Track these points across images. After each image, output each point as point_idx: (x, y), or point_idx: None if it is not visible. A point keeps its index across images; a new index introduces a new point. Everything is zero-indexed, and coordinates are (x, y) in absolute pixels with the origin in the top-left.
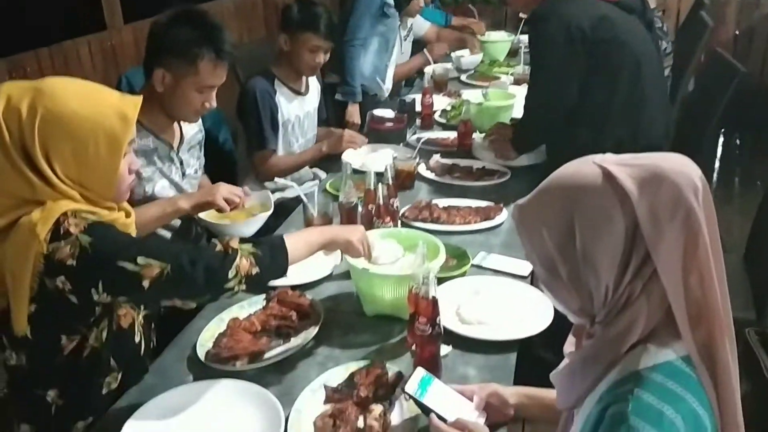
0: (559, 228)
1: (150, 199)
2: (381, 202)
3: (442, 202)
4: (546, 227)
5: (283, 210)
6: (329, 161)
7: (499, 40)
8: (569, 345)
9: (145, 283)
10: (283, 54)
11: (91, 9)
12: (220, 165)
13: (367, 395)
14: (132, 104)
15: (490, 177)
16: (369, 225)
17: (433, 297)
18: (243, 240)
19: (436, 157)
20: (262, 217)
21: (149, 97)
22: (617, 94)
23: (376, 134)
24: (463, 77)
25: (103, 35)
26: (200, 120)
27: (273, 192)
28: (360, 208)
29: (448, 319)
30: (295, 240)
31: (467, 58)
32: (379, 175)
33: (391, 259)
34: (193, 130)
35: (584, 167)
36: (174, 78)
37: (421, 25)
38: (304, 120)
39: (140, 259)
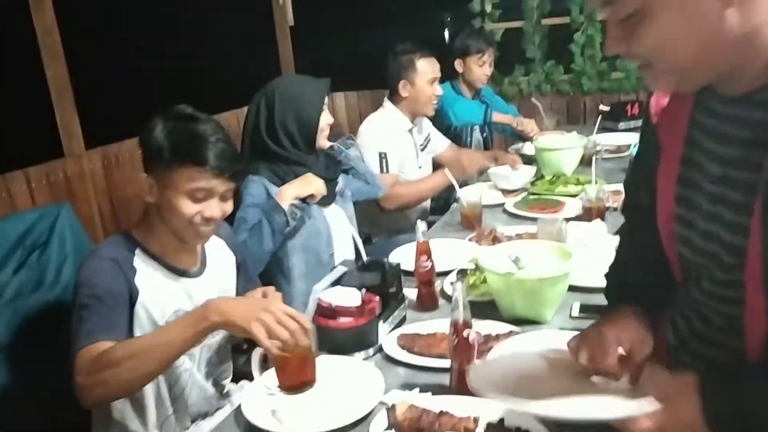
0: None
1: None
2: None
3: None
4: None
5: None
6: None
7: (564, 146)
8: None
9: None
10: (153, 209)
11: None
12: None
13: None
14: None
15: None
16: None
17: None
18: None
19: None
20: None
21: None
22: None
23: (326, 337)
24: (509, 205)
25: None
26: None
27: None
28: None
29: None
30: None
31: (513, 174)
32: None
33: None
34: None
35: None
36: None
37: (439, 143)
38: None
39: None
